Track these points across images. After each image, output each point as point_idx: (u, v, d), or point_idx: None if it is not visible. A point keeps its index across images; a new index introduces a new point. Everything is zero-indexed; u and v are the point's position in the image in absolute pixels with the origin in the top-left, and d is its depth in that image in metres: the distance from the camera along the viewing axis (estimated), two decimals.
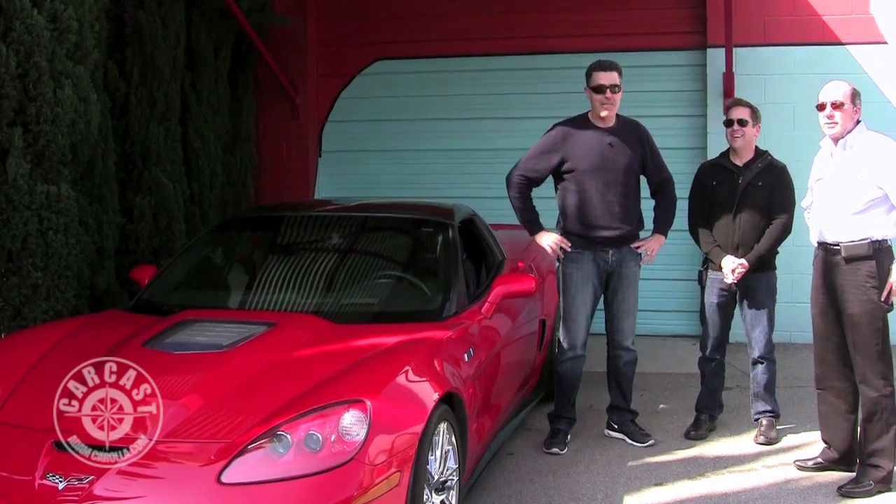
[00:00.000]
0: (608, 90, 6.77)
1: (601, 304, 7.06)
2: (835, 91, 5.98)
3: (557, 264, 6.99)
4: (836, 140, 5.99)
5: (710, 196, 7.00)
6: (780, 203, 6.87)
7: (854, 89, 5.99)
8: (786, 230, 6.88)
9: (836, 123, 5.95)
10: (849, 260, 5.90)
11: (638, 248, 6.97)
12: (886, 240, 5.88)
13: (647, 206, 7.10)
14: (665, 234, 7.08)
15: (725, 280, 6.86)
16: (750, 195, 6.86)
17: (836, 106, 5.94)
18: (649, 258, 7.03)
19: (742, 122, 6.88)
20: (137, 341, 5.35)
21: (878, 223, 5.85)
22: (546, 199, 7.10)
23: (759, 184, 6.86)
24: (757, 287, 6.91)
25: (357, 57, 10.99)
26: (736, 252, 6.85)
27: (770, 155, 7.00)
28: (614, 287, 6.97)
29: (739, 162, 6.95)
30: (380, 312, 6.14)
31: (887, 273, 5.78)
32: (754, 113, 6.95)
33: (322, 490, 4.33)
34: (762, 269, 6.89)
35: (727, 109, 7.04)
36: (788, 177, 6.94)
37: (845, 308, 5.95)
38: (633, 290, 7.01)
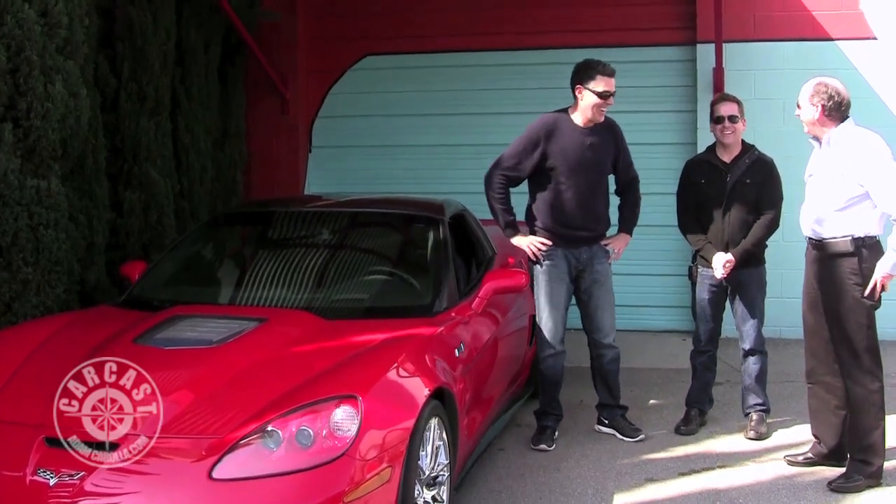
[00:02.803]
0: (611, 97, 6.77)
1: (577, 304, 7.07)
2: (800, 91, 6.04)
3: (530, 262, 6.98)
4: (815, 138, 6.04)
5: (698, 193, 7.00)
6: (767, 198, 6.88)
7: (815, 86, 5.96)
8: (772, 226, 6.88)
9: (803, 123, 6.03)
10: (832, 256, 5.92)
11: (605, 245, 6.98)
12: (870, 236, 5.86)
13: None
14: (631, 233, 7.10)
15: (715, 275, 6.88)
16: (739, 192, 6.86)
17: (797, 106, 6.03)
18: (616, 256, 7.03)
19: (733, 119, 6.89)
20: (128, 337, 5.34)
21: (861, 220, 5.85)
22: (518, 193, 7.07)
23: (748, 181, 6.86)
24: (748, 281, 6.93)
25: (347, 52, 10.99)
26: (726, 249, 6.86)
27: (757, 149, 7.00)
28: (588, 286, 6.95)
29: (727, 158, 6.95)
30: (370, 308, 6.16)
31: (871, 269, 5.79)
32: (741, 107, 6.96)
33: (313, 485, 4.33)
34: (752, 264, 6.91)
35: (714, 105, 7.00)
36: (776, 171, 6.94)
37: (829, 303, 5.96)
38: (608, 286, 7.01)
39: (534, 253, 6.85)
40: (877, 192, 5.72)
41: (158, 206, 8.48)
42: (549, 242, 6.82)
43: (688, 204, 7.05)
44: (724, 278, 6.85)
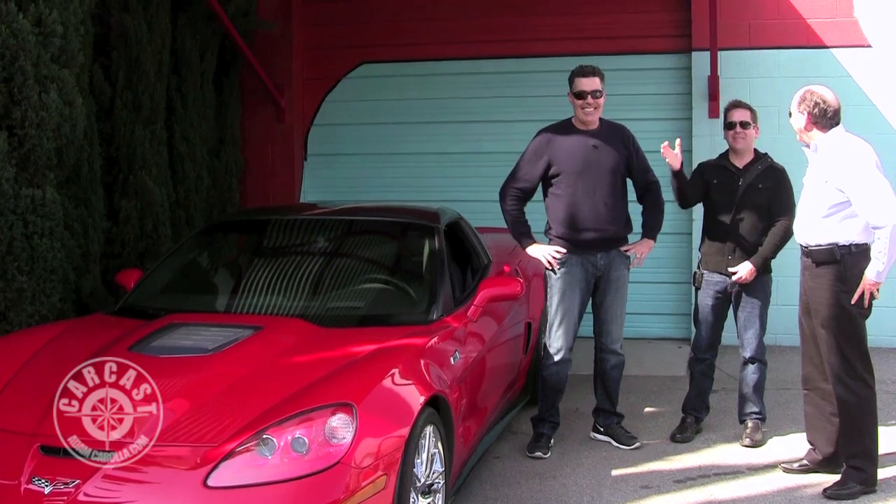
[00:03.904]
0: (589, 96, 6.79)
1: (589, 308, 7.06)
2: (791, 99, 6.07)
3: (546, 270, 6.98)
4: (806, 145, 6.06)
5: (709, 193, 7.02)
6: (780, 206, 6.88)
7: (803, 94, 6.04)
8: (788, 232, 6.85)
9: (795, 131, 6.07)
10: (818, 264, 5.95)
11: (626, 251, 6.98)
12: (856, 244, 5.87)
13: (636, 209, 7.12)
14: (654, 239, 7.07)
15: (733, 278, 6.85)
16: (750, 197, 6.88)
17: (789, 114, 6.09)
18: (638, 262, 7.03)
19: (744, 125, 6.92)
20: (123, 345, 5.33)
21: (844, 228, 5.87)
22: (536, 202, 7.10)
23: (759, 186, 6.88)
24: (754, 289, 6.93)
25: (343, 60, 10.99)
26: (733, 254, 6.88)
27: (770, 157, 7.03)
28: (603, 291, 6.97)
29: (739, 164, 6.97)
30: (366, 316, 6.14)
31: (857, 277, 5.80)
32: (754, 115, 6.99)
33: (308, 493, 4.33)
34: (761, 272, 6.92)
35: (727, 111, 7.04)
36: (788, 179, 6.96)
37: (816, 310, 5.99)
38: (622, 294, 7.01)
39: (548, 261, 6.85)
40: (856, 199, 5.74)
41: (154, 214, 8.48)
42: (564, 250, 6.83)
43: (697, 190, 7.08)
44: (736, 284, 6.85)
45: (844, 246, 5.87)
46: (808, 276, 6.04)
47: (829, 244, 5.89)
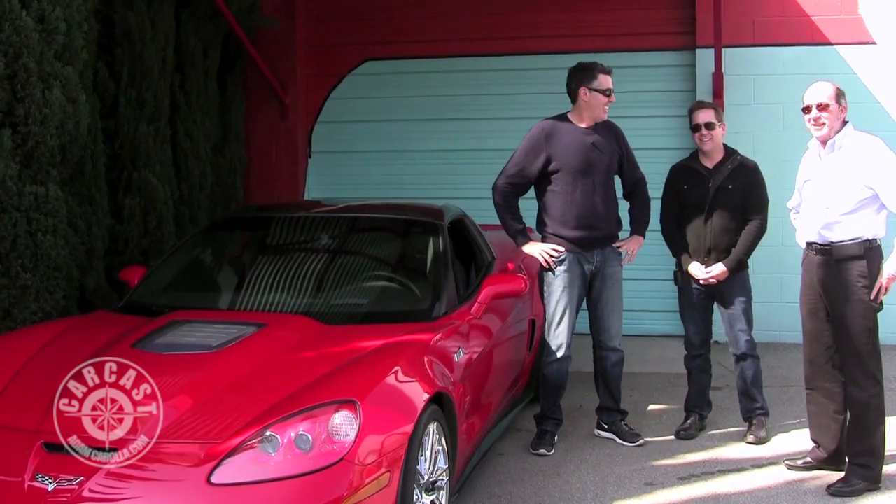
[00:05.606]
0: (612, 94, 6.83)
1: (585, 305, 7.05)
2: (819, 93, 5.99)
3: (543, 269, 6.96)
4: (824, 141, 6.01)
5: (681, 199, 6.99)
6: (753, 204, 6.86)
7: (838, 89, 6.00)
8: (761, 231, 6.87)
9: (823, 125, 5.96)
10: (840, 260, 5.91)
11: (619, 247, 6.97)
12: (876, 239, 5.90)
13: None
14: (643, 235, 7.08)
15: (699, 279, 6.86)
16: (721, 198, 6.85)
17: (822, 107, 5.96)
18: (630, 258, 7.02)
19: (709, 126, 6.88)
20: (127, 342, 5.33)
21: (869, 223, 5.86)
22: (527, 199, 7.08)
23: (730, 186, 6.85)
24: (730, 287, 6.91)
25: (346, 57, 11.01)
26: (709, 255, 6.87)
27: (740, 154, 7.00)
28: (599, 288, 6.95)
29: (709, 164, 6.94)
30: (369, 313, 6.14)
31: (878, 272, 5.80)
32: (718, 113, 6.96)
33: (312, 490, 4.32)
34: (736, 271, 6.90)
35: (691, 113, 7.01)
36: (760, 176, 6.94)
37: (835, 308, 5.95)
38: (618, 290, 7.00)
39: (545, 260, 6.84)
40: (887, 194, 5.75)
41: (158, 211, 8.48)
42: (562, 249, 6.82)
43: (671, 209, 7.04)
44: (706, 283, 6.84)
45: (868, 240, 5.86)
46: (825, 273, 5.99)
47: (854, 239, 5.87)
